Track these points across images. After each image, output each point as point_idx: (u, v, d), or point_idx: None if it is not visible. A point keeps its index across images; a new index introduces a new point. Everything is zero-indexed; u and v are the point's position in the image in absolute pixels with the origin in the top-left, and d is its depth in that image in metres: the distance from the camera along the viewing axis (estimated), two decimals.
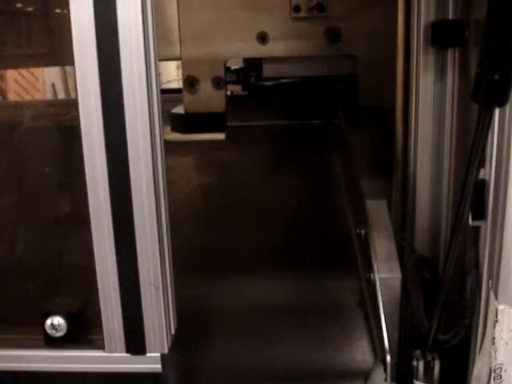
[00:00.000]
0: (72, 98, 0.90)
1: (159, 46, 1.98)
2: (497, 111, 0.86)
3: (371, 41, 1.81)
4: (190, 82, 1.91)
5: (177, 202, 1.47)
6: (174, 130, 1.94)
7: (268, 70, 1.93)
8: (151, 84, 0.84)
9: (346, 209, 1.41)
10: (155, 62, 0.86)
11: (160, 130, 0.88)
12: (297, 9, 1.84)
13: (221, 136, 1.83)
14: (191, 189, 1.61)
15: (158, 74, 0.87)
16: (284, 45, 1.88)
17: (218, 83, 1.90)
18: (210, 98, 1.90)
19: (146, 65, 0.83)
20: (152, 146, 0.85)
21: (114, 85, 0.83)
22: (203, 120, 1.90)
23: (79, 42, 0.82)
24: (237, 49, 1.88)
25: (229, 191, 1.52)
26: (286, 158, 1.67)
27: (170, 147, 1.83)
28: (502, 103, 0.78)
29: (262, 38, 1.87)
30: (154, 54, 0.85)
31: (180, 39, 1.88)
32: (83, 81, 0.83)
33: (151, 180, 0.86)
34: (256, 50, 1.88)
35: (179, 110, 1.96)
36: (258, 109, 1.91)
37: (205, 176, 1.69)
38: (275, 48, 1.88)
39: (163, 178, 0.90)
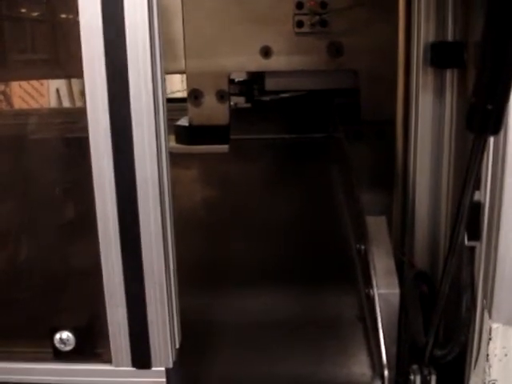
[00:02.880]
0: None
1: (166, 60, 2.02)
2: (491, 140, 0.89)
3: (372, 56, 1.85)
4: (195, 95, 1.94)
5: (178, 214, 1.50)
6: (178, 141, 1.97)
7: (270, 84, 1.96)
8: (157, 96, 0.87)
9: (347, 224, 1.44)
10: (161, 74, 0.88)
11: (165, 139, 0.91)
12: (300, 24, 1.88)
13: (224, 148, 1.86)
14: (193, 201, 1.64)
15: (164, 87, 0.89)
16: (287, 59, 1.91)
17: (221, 96, 1.94)
18: (214, 111, 1.94)
19: (153, 77, 0.85)
20: (158, 154, 0.88)
21: (122, 96, 0.86)
22: (207, 132, 1.94)
23: (88, 55, 0.84)
24: (240, 63, 1.92)
25: (230, 204, 1.55)
26: (287, 171, 1.70)
27: (173, 159, 1.87)
28: (495, 132, 0.81)
29: (266, 52, 1.91)
30: (161, 66, 0.88)
31: (185, 53, 1.92)
32: (92, 93, 0.86)
33: (157, 194, 0.88)
34: (259, 63, 1.91)
35: (184, 122, 1.99)
36: (260, 122, 1.94)
37: (207, 188, 1.73)
38: (278, 62, 1.91)
39: (169, 192, 0.93)
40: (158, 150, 0.88)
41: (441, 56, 1.27)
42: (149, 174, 0.88)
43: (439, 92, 1.32)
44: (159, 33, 0.87)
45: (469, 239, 0.98)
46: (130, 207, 0.89)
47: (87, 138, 0.87)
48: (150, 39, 0.85)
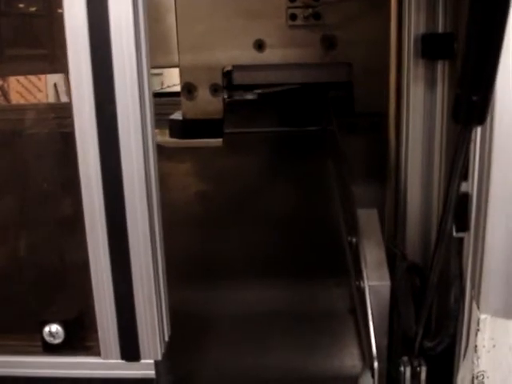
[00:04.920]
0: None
1: (159, 54, 2.02)
2: (478, 130, 0.89)
3: (366, 48, 1.84)
4: (188, 88, 1.94)
5: (171, 208, 1.50)
6: (172, 135, 1.97)
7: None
8: (143, 89, 0.87)
9: (339, 216, 1.44)
10: (147, 69, 0.88)
11: (153, 134, 0.91)
12: (293, 17, 1.88)
13: (218, 142, 1.86)
14: (186, 194, 1.64)
15: (150, 81, 0.89)
16: (281, 52, 1.91)
17: (215, 90, 1.94)
18: (208, 105, 1.94)
19: (138, 71, 0.85)
20: (144, 149, 0.87)
21: (107, 91, 0.86)
22: (201, 126, 1.94)
23: (73, 50, 0.84)
24: (234, 56, 1.92)
25: (220, 197, 1.55)
26: (281, 164, 1.70)
27: (166, 153, 1.87)
28: (480, 122, 0.81)
29: (259, 45, 1.90)
30: (147, 60, 0.87)
31: (178, 47, 1.91)
32: (77, 88, 0.86)
33: (144, 187, 0.88)
34: (253, 57, 1.91)
35: (177, 116, 1.99)
36: (254, 115, 1.94)
37: (200, 182, 1.73)
38: (272, 55, 1.91)
39: (156, 186, 0.93)
40: (144, 145, 0.88)
41: (431, 47, 1.27)
42: (135, 169, 0.88)
43: (430, 84, 1.32)
44: (145, 26, 0.87)
45: (457, 230, 0.98)
46: (117, 201, 0.89)
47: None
48: (134, 33, 0.84)
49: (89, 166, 0.88)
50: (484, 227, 0.93)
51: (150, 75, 0.90)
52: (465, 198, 0.96)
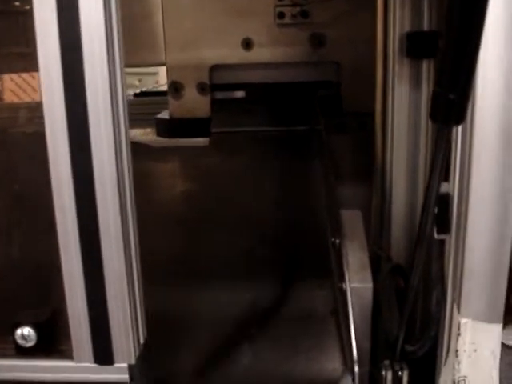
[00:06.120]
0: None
1: (146, 52, 1.99)
2: (459, 129, 0.87)
3: (355, 47, 1.83)
4: (175, 87, 1.92)
5: (155, 207, 1.48)
6: (159, 134, 1.96)
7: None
8: (116, 89, 0.85)
9: (324, 217, 1.42)
10: (120, 67, 0.86)
11: (126, 135, 0.89)
12: (281, 15, 1.86)
13: (205, 141, 1.84)
14: (171, 194, 1.62)
15: (124, 80, 0.87)
16: (269, 51, 1.89)
17: (202, 89, 1.92)
18: (195, 104, 1.92)
19: (110, 70, 0.83)
20: (116, 149, 0.85)
21: (78, 90, 0.84)
22: (188, 125, 1.92)
23: (43, 49, 0.82)
24: (222, 55, 1.90)
25: (205, 197, 1.53)
26: (267, 164, 1.68)
27: (152, 152, 1.85)
28: (458, 122, 0.79)
29: (247, 44, 1.89)
30: (120, 59, 0.85)
31: (165, 45, 1.89)
32: (48, 87, 0.84)
33: (116, 189, 0.86)
34: (241, 56, 1.89)
35: (164, 115, 1.97)
36: (242, 115, 1.92)
37: (186, 182, 1.71)
38: (260, 54, 1.89)
39: (130, 187, 0.90)
40: (116, 145, 0.86)
41: (416, 46, 1.25)
42: (107, 169, 0.86)
43: (415, 83, 1.30)
44: (117, 24, 0.85)
45: (438, 232, 0.96)
46: (88, 202, 0.87)
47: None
48: (106, 33, 0.82)
49: (59, 166, 0.86)
50: (465, 229, 0.91)
51: (125, 74, 0.88)
52: (446, 199, 0.94)
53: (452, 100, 0.75)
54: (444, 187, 0.93)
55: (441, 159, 0.85)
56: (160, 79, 4.64)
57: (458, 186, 0.92)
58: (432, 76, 1.28)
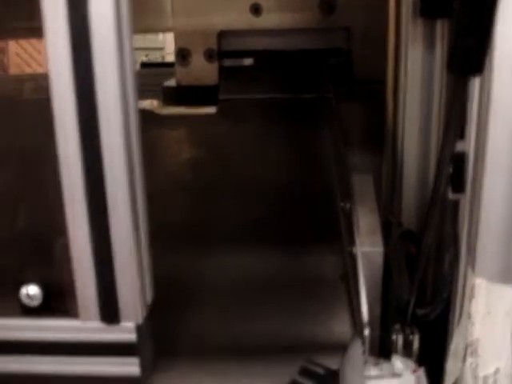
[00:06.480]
0: None
1: (153, 18, 1.95)
2: (477, 81, 0.84)
3: (366, 13, 1.79)
4: (183, 54, 1.89)
5: (162, 174, 1.46)
6: (165, 102, 1.93)
7: (260, 42, 1.91)
8: (124, 55, 0.82)
9: (333, 183, 1.40)
10: (129, 34, 0.83)
11: (134, 102, 0.86)
12: None
13: (212, 109, 1.81)
14: (178, 162, 1.60)
15: (132, 45, 0.84)
16: (278, 16, 1.86)
17: (210, 56, 1.89)
18: (203, 71, 1.89)
19: (118, 36, 0.80)
20: (124, 118, 0.83)
21: (85, 56, 0.81)
22: (195, 93, 1.89)
23: (50, 15, 0.80)
24: (230, 21, 1.86)
25: (213, 164, 1.51)
26: (276, 131, 1.66)
27: (159, 121, 1.83)
28: (477, 71, 0.76)
29: (256, 9, 1.85)
30: (128, 25, 0.82)
31: (172, 10, 1.86)
32: (54, 55, 0.81)
33: (122, 147, 0.84)
34: (249, 21, 1.86)
35: (171, 83, 1.94)
36: (250, 82, 1.89)
37: (193, 150, 1.69)
38: (268, 20, 1.86)
39: (138, 145, 0.88)
40: (124, 112, 0.83)
41: (430, 6, 1.21)
42: (116, 138, 0.84)
43: (429, 45, 1.26)
44: None
45: (453, 192, 0.93)
46: (95, 161, 0.85)
47: None
48: None
49: (66, 133, 0.84)
50: (481, 188, 0.88)
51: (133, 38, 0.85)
52: (461, 158, 0.91)
53: (470, 47, 0.72)
54: (459, 145, 0.90)
55: (457, 114, 0.82)
56: (167, 56, 4.63)
57: (475, 143, 0.89)
58: (446, 38, 1.24)
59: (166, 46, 4.86)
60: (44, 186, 0.98)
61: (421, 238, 1.23)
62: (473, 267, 0.91)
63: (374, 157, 1.55)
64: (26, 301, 0.95)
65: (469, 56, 0.73)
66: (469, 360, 0.94)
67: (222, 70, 1.92)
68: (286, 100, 1.81)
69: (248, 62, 1.95)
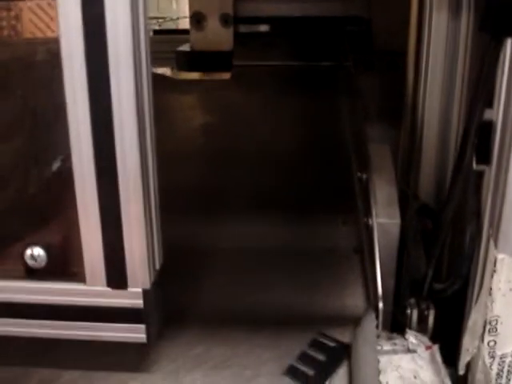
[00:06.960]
0: None
1: None
2: (509, 44, 0.79)
3: None
4: (197, 18, 1.84)
5: (175, 140, 1.42)
6: (179, 68, 1.89)
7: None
8: (137, 19, 0.78)
9: (350, 153, 1.36)
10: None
11: (148, 67, 0.83)
12: None
13: (226, 75, 1.77)
14: (192, 127, 1.56)
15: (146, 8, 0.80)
16: None
17: (225, 21, 1.84)
18: (218, 36, 1.84)
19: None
20: (136, 77, 0.80)
21: (97, 20, 0.77)
22: (209, 58, 1.84)
23: None
24: None
25: (229, 131, 1.47)
26: (291, 99, 1.61)
27: (172, 85, 1.79)
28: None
29: None
30: None
31: None
32: (65, 18, 0.78)
33: (134, 110, 0.81)
34: None
35: (185, 47, 1.90)
36: (266, 48, 1.84)
37: (206, 115, 1.64)
38: None
39: (150, 110, 0.85)
40: (137, 76, 0.80)
41: None
42: (126, 103, 0.80)
43: (455, 12, 1.21)
44: None
45: (477, 162, 0.89)
46: (105, 122, 0.82)
47: None
48: None
49: (76, 93, 0.81)
50: (508, 159, 0.84)
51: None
52: (488, 127, 0.87)
53: (506, 6, 0.67)
54: (487, 114, 0.86)
55: (487, 79, 0.77)
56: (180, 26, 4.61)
57: (503, 112, 0.85)
58: (473, 4, 1.19)
59: (179, 14, 4.86)
60: (53, 146, 0.95)
61: (439, 211, 1.19)
62: (495, 242, 0.87)
63: (390, 129, 1.50)
64: (30, 262, 0.92)
65: (503, 14, 0.68)
66: (487, 338, 0.91)
67: (238, 36, 1.87)
68: (302, 67, 1.76)
69: (264, 28, 1.90)
